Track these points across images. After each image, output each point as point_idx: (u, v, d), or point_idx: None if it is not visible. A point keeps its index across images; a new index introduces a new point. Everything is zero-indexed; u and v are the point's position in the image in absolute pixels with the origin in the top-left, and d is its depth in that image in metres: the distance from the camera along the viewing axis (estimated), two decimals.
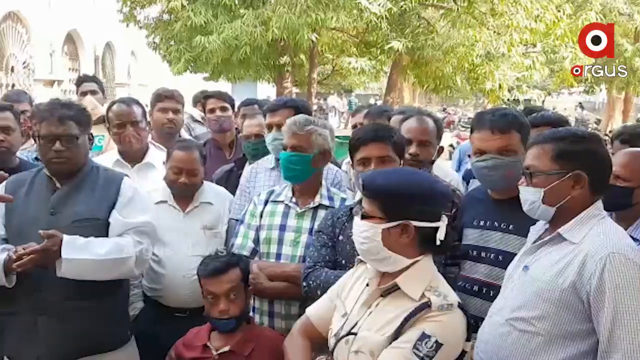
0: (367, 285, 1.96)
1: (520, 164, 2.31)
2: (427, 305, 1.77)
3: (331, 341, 2.00)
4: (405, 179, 1.92)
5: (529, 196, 2.06)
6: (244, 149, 3.81)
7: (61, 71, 18.13)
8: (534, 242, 2.12)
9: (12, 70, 15.84)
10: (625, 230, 2.19)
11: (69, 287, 2.51)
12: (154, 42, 14.35)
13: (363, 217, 1.89)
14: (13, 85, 15.60)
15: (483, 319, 2.23)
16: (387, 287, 1.87)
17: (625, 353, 1.78)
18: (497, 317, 2.09)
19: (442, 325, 1.76)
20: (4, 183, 2.68)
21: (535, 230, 2.19)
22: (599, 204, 2.04)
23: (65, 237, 2.45)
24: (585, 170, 1.97)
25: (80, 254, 2.47)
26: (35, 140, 2.74)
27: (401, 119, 3.15)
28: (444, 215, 1.88)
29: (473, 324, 2.28)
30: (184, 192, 3.14)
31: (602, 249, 1.87)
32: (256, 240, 2.81)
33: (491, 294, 2.36)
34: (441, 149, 3.14)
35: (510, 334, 2.01)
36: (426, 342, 1.73)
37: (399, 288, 1.85)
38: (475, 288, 2.47)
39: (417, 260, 1.88)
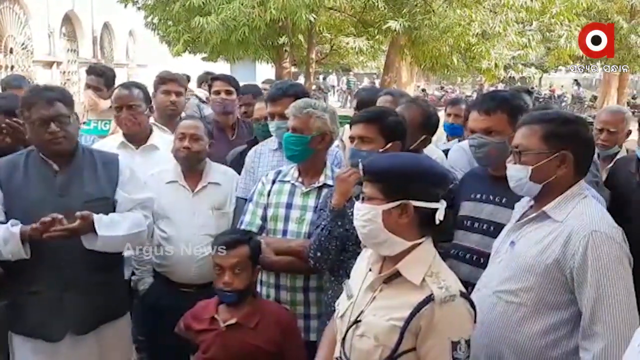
0: (370, 270, 1.99)
1: (506, 144, 2.45)
2: (430, 299, 1.77)
3: (337, 322, 2.06)
4: (404, 161, 1.97)
5: (516, 173, 2.15)
6: (255, 130, 3.93)
7: (60, 52, 18.05)
8: (519, 219, 2.23)
9: (11, 51, 15.76)
10: None
11: (88, 262, 2.64)
12: (153, 23, 14.29)
13: (364, 200, 1.92)
14: (12, 67, 15.58)
15: (473, 284, 2.35)
16: (389, 274, 1.90)
17: (606, 324, 1.90)
18: (485, 290, 2.20)
19: (457, 323, 1.80)
20: None
21: (519, 207, 2.30)
22: (582, 183, 2.15)
23: (95, 217, 2.58)
24: (571, 151, 2.08)
25: (111, 231, 2.63)
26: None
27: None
28: (442, 199, 1.91)
29: None
30: (189, 160, 3.22)
31: (585, 228, 1.98)
32: (264, 218, 2.93)
33: (481, 261, 2.49)
34: (427, 139, 3.10)
35: (497, 305, 2.13)
36: (460, 347, 1.77)
37: (400, 275, 1.87)
38: (467, 255, 2.60)
39: (417, 244, 1.89)
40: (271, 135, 3.50)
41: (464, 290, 1.87)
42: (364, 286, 1.97)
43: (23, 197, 2.66)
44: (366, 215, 1.89)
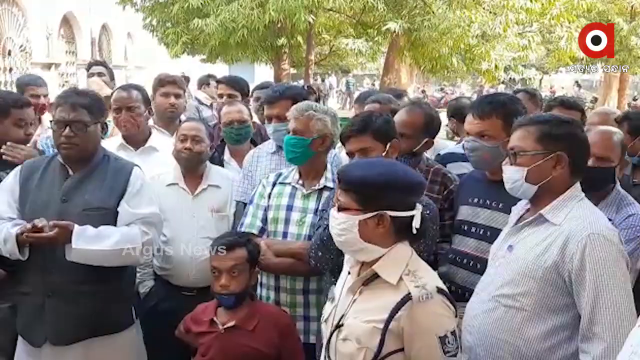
0: (349, 273, 2.00)
1: (499, 149, 2.46)
2: (408, 299, 1.78)
3: (322, 327, 2.07)
4: (379, 170, 1.92)
5: (512, 175, 2.16)
6: (224, 135, 3.84)
7: (58, 54, 18.03)
8: (516, 223, 2.23)
9: (9, 53, 15.77)
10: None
11: (78, 271, 2.57)
12: (151, 25, 14.32)
13: (339, 209, 1.91)
14: (10, 69, 15.59)
15: (469, 289, 2.35)
16: (367, 275, 1.90)
17: (605, 326, 1.90)
18: (483, 294, 2.20)
19: (439, 319, 1.80)
20: (19, 167, 2.76)
21: (516, 211, 2.30)
22: (578, 186, 2.14)
23: (76, 228, 2.51)
24: (566, 152, 2.08)
25: (90, 245, 2.53)
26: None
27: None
28: (418, 204, 1.91)
29: (460, 294, 2.41)
30: (190, 161, 3.22)
31: (582, 230, 1.98)
32: (264, 220, 2.91)
33: (478, 267, 2.50)
34: (429, 142, 3.04)
35: (496, 310, 2.12)
36: (448, 340, 1.77)
37: (378, 276, 1.88)
38: (464, 261, 2.60)
39: (393, 247, 1.90)
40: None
41: (441, 286, 1.88)
42: (344, 289, 1.98)
43: (33, 200, 2.67)
44: (342, 225, 1.89)
